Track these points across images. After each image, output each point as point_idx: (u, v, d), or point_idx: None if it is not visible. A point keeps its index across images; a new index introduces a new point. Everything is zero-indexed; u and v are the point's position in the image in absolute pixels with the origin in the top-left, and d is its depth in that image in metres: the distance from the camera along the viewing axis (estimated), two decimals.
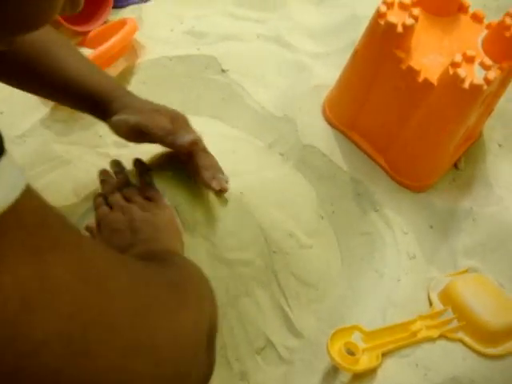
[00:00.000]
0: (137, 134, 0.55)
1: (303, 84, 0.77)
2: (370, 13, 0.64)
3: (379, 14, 0.59)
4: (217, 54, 0.82)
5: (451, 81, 0.57)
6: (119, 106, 0.56)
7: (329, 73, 0.78)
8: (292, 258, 0.61)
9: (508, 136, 0.75)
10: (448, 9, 0.64)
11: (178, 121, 0.58)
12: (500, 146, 0.74)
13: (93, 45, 0.86)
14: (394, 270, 0.62)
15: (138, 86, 0.81)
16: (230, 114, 0.78)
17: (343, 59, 0.71)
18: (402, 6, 0.59)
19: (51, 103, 0.77)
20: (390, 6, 0.59)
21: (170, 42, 0.86)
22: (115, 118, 0.55)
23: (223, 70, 0.81)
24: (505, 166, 0.71)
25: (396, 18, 0.58)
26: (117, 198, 0.56)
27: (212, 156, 0.58)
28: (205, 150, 0.58)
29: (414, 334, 0.57)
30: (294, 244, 0.61)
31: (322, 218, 0.67)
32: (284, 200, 0.65)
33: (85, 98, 0.56)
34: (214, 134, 0.73)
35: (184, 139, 0.54)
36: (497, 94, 0.66)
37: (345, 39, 0.82)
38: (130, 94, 0.58)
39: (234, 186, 0.62)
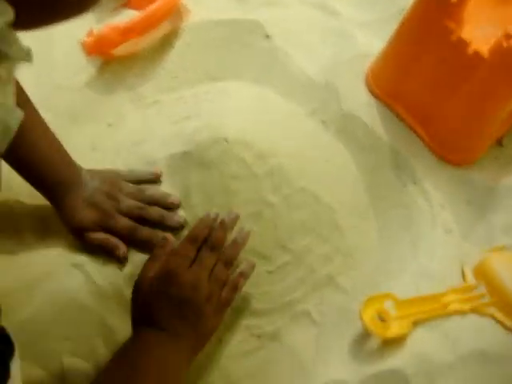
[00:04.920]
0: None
1: (347, 52, 0.76)
2: None
3: None
4: (261, 19, 0.82)
5: (504, 54, 0.56)
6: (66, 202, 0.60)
7: (373, 42, 0.77)
8: (329, 227, 0.62)
9: None
10: None
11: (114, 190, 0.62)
12: None
13: (138, 6, 0.86)
14: (430, 242, 0.62)
15: (182, 49, 0.82)
16: (272, 79, 0.78)
17: (389, 28, 0.70)
18: None
19: (98, 64, 0.79)
20: None
21: (215, 5, 0.86)
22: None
23: (267, 36, 0.81)
24: None
25: None
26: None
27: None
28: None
29: (445, 305, 0.57)
30: (331, 213, 0.62)
31: (360, 189, 0.67)
32: (323, 169, 0.66)
33: (42, 185, 0.61)
34: (254, 99, 0.74)
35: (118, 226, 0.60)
36: None
37: (392, 7, 0.80)
38: (76, 186, 0.61)
39: (272, 152, 0.63)
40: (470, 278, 0.60)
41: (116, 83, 0.80)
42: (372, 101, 0.72)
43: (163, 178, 0.64)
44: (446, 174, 0.68)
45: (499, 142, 0.71)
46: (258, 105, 0.71)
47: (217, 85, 0.77)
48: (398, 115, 0.70)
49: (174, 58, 0.82)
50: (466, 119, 0.65)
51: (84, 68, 0.79)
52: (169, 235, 0.58)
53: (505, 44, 0.55)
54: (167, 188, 0.64)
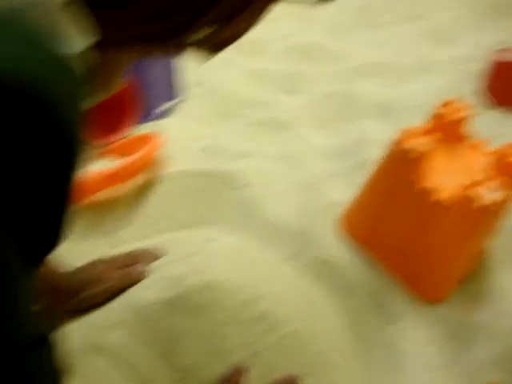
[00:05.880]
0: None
1: (318, 200, 0.83)
2: (375, 136, 0.71)
3: (397, 142, 0.66)
4: (234, 170, 0.88)
5: (463, 202, 0.63)
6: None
7: (340, 191, 0.85)
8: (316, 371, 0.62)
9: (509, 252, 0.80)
10: (454, 136, 0.72)
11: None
12: (502, 261, 0.79)
13: (119, 154, 0.91)
14: (419, 381, 0.63)
15: (160, 197, 0.86)
16: (247, 226, 0.82)
17: (355, 179, 0.78)
18: (417, 134, 0.66)
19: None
20: (406, 133, 0.66)
21: (190, 158, 0.92)
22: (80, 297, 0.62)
23: (240, 186, 0.87)
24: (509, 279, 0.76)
25: (412, 145, 0.65)
26: None
27: None
28: None
29: None
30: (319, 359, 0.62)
31: (343, 330, 0.68)
32: (307, 314, 0.67)
33: None
34: (232, 246, 0.76)
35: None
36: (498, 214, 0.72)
37: (353, 160, 0.90)
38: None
39: (259, 297, 0.64)
40: None
41: (93, 228, 0.81)
42: (346, 246, 0.77)
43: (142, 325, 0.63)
44: (422, 312, 0.71)
45: (464, 280, 0.76)
46: (237, 251, 0.73)
47: (196, 232, 0.80)
48: (372, 258, 0.75)
49: (152, 205, 0.85)
50: (436, 259, 0.70)
51: None
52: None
53: (463, 193, 0.63)
54: (150, 334, 0.62)
